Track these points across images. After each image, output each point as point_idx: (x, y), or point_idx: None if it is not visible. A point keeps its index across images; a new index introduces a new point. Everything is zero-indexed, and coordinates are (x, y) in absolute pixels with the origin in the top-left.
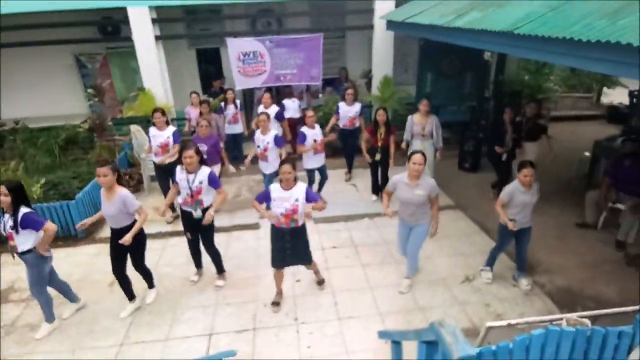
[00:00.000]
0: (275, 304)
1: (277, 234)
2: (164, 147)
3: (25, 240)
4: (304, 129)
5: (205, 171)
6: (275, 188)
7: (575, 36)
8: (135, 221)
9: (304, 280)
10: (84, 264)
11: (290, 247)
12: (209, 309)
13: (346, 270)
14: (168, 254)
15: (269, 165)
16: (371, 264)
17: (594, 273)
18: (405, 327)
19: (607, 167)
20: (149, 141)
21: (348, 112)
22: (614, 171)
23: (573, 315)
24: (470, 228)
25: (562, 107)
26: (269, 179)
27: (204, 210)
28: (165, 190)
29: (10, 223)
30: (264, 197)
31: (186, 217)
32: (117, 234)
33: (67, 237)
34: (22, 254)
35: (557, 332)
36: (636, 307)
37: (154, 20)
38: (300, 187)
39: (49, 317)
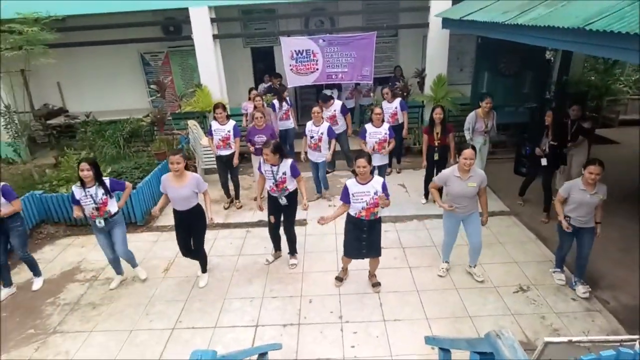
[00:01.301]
0: (339, 279)
1: (356, 224)
2: (225, 141)
3: (113, 203)
4: (367, 125)
5: (287, 163)
6: (352, 183)
7: None
8: (198, 203)
9: (349, 279)
10: (143, 250)
11: (366, 238)
12: (256, 300)
13: (393, 272)
14: (218, 246)
15: (321, 155)
16: (419, 267)
17: None
18: (453, 335)
19: None
20: (210, 134)
21: (389, 108)
22: None
23: None
24: (525, 235)
25: (632, 110)
26: (322, 165)
27: (289, 196)
28: (223, 182)
29: (101, 191)
30: (346, 195)
31: (272, 201)
32: (185, 215)
33: (128, 224)
34: (112, 217)
35: (631, 355)
36: None
37: (212, 20)
38: (378, 181)
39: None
